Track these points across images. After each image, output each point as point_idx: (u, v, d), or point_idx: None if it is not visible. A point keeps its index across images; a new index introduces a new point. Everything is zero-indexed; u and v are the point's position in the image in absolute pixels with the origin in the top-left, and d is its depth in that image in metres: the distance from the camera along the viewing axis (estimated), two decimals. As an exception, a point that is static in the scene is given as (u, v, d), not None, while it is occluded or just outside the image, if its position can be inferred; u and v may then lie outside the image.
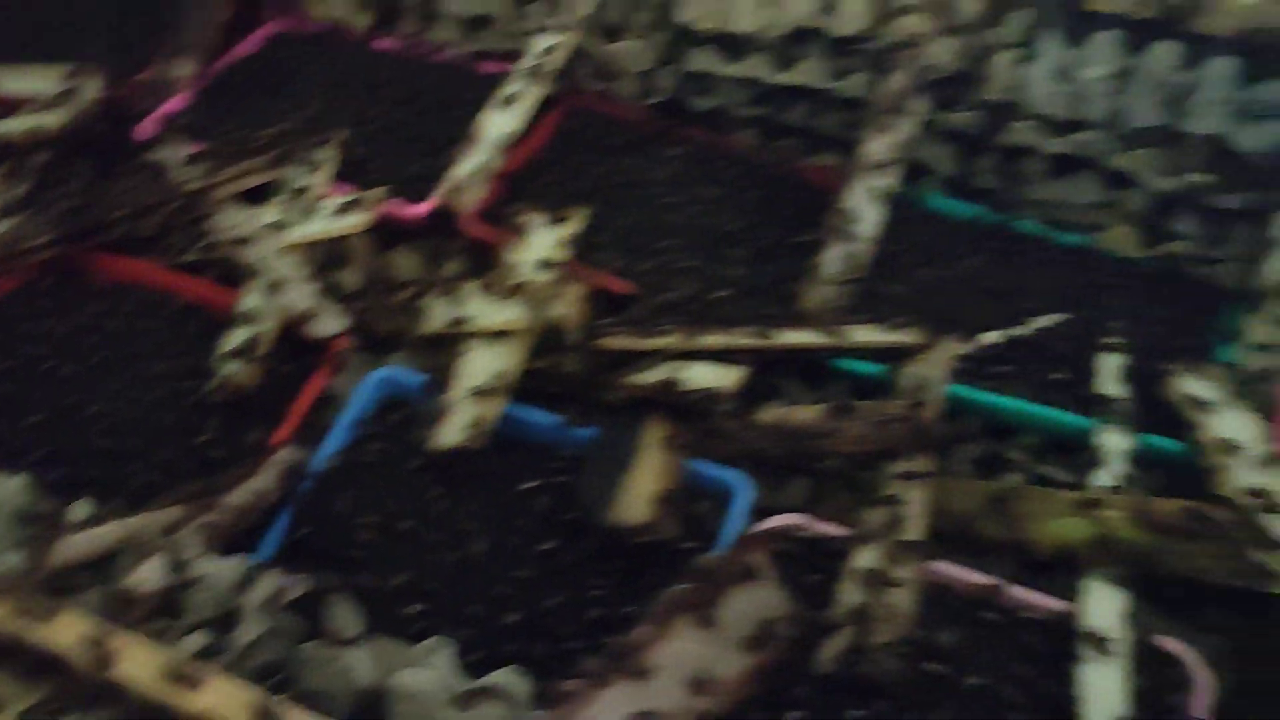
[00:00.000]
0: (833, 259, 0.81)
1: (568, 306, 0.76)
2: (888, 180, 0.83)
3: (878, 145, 0.83)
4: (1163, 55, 0.83)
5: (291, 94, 0.98)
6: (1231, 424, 0.71)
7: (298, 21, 1.05)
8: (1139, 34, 0.84)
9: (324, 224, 0.82)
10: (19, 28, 1.04)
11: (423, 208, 0.87)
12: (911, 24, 0.84)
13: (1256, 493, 0.67)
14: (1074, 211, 0.87)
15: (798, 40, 0.89)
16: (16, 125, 0.88)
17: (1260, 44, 0.81)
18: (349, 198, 0.84)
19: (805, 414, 0.74)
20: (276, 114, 0.95)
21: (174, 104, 0.96)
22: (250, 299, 0.79)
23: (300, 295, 0.78)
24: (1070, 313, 0.81)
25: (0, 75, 0.94)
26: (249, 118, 0.95)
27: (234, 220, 0.83)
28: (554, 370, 0.77)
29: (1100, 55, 0.84)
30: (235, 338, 0.76)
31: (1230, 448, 0.69)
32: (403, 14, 1.03)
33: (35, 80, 0.93)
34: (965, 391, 0.76)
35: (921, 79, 0.84)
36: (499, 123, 0.88)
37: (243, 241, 0.81)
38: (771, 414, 0.74)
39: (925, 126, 0.87)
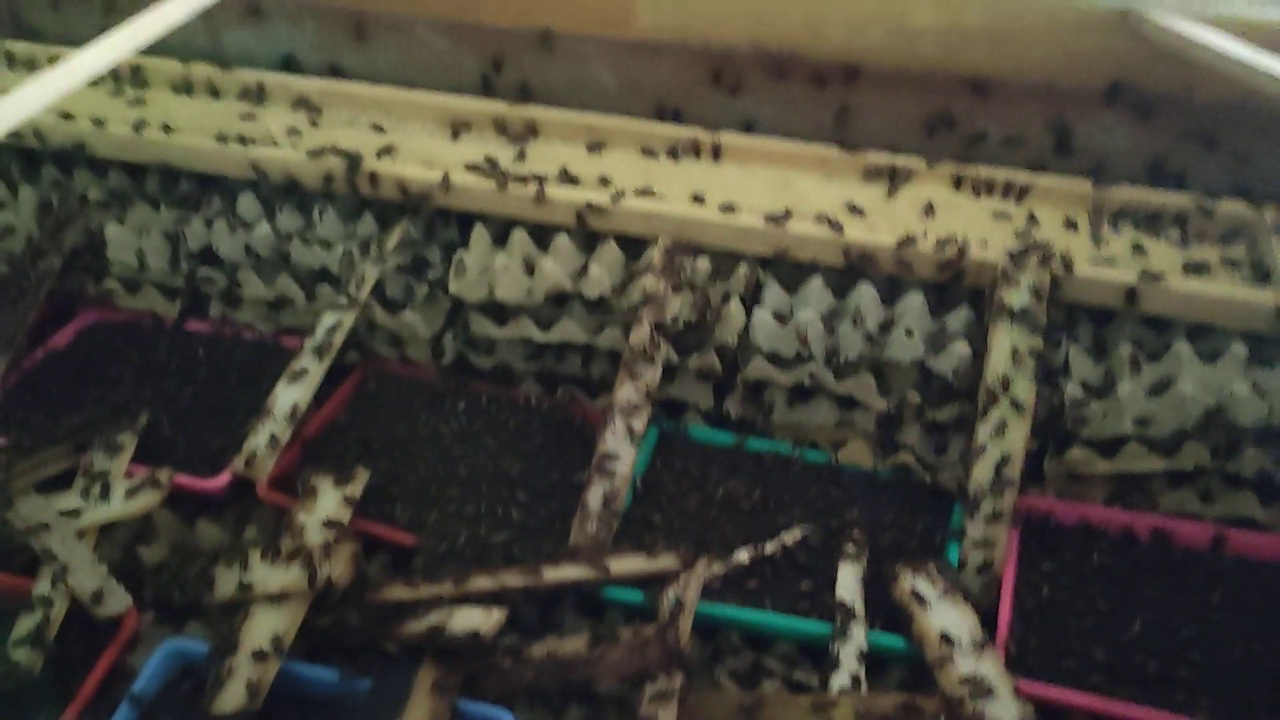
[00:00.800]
0: (596, 496, 0.89)
1: (341, 564, 0.82)
2: (642, 420, 0.92)
3: (629, 390, 0.93)
4: (864, 294, 0.96)
5: (102, 381, 1.04)
6: (948, 617, 0.79)
7: (110, 313, 1.13)
8: (843, 278, 0.97)
9: (118, 507, 0.87)
10: None
11: (219, 480, 0.93)
12: (648, 284, 0.95)
13: (968, 680, 0.74)
14: (814, 432, 0.97)
15: (557, 303, 1.00)
16: None
17: (943, 280, 0.95)
18: (140, 479, 0.89)
19: (571, 645, 0.80)
20: (88, 403, 1.01)
21: (-9, 389, 1.01)
22: (42, 585, 0.83)
23: (88, 576, 0.82)
24: (814, 524, 0.89)
25: None
26: (58, 408, 1.01)
27: (30, 509, 0.88)
28: (339, 625, 0.82)
29: (812, 299, 0.96)
30: (25, 624, 0.80)
31: (947, 639, 0.77)
32: (208, 301, 1.11)
33: None
34: (720, 609, 0.83)
35: (662, 329, 0.95)
36: (289, 395, 0.95)
37: (38, 529, 0.86)
38: (542, 647, 0.80)
39: (676, 369, 0.97)
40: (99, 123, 1.10)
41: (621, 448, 0.91)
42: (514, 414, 1.03)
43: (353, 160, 1.04)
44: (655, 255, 0.97)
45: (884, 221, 0.98)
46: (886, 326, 0.95)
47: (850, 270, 0.96)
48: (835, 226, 0.96)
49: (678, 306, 0.96)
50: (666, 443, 0.99)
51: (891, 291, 0.96)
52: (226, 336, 1.10)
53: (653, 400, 0.93)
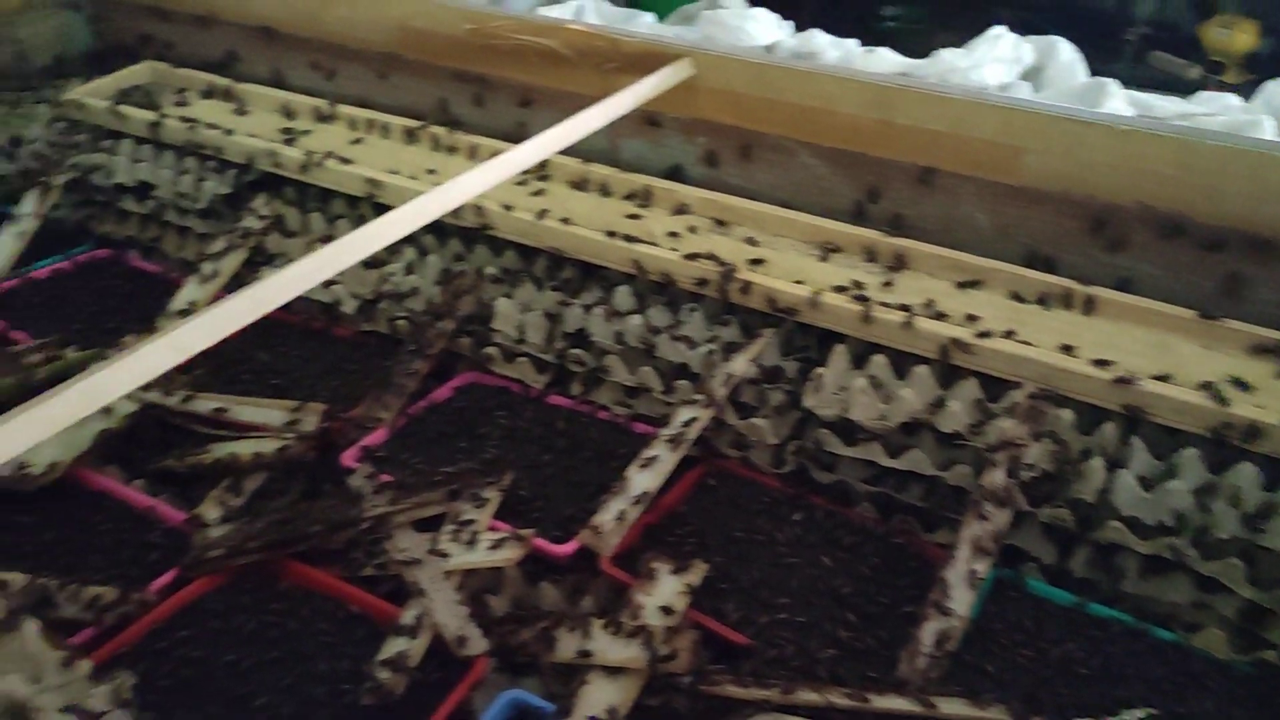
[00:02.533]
0: (929, 632, 0.88)
1: (683, 650, 0.85)
2: (985, 564, 0.91)
3: (976, 531, 0.92)
4: (1245, 474, 0.90)
5: (473, 437, 1.15)
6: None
7: (485, 376, 1.24)
8: (1221, 452, 0.92)
9: (482, 555, 0.95)
10: (256, 371, 1.26)
11: (569, 547, 0.99)
12: (1007, 427, 0.95)
13: None
14: (1166, 609, 0.92)
15: (908, 431, 1.01)
16: (244, 449, 1.06)
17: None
18: (504, 534, 0.97)
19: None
20: (459, 454, 1.12)
21: (374, 438, 1.13)
22: (410, 614, 0.91)
23: (451, 616, 0.90)
24: (1158, 708, 0.84)
25: (236, 407, 1.14)
26: (435, 455, 1.12)
27: (406, 544, 0.97)
28: (667, 709, 0.85)
29: (1184, 469, 0.92)
30: (392, 648, 0.88)
31: None
32: (573, 378, 1.20)
33: (266, 412, 1.13)
34: (1050, 776, 0.80)
35: (1018, 476, 0.93)
36: (641, 479, 1.01)
37: (411, 563, 0.95)
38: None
39: (1023, 518, 0.96)
40: (507, 207, 1.23)
41: (960, 589, 0.90)
42: (849, 533, 1.04)
43: (727, 269, 1.10)
44: (1018, 399, 0.97)
45: (1273, 401, 0.93)
46: (1266, 513, 0.89)
47: (1229, 446, 0.91)
48: (1218, 398, 0.92)
49: (1036, 454, 0.94)
50: (1002, 591, 0.97)
51: (1273, 476, 0.91)
52: (584, 413, 1.18)
53: (999, 546, 0.92)
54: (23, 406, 0.67)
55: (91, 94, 1.54)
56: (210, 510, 1.03)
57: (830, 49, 2.88)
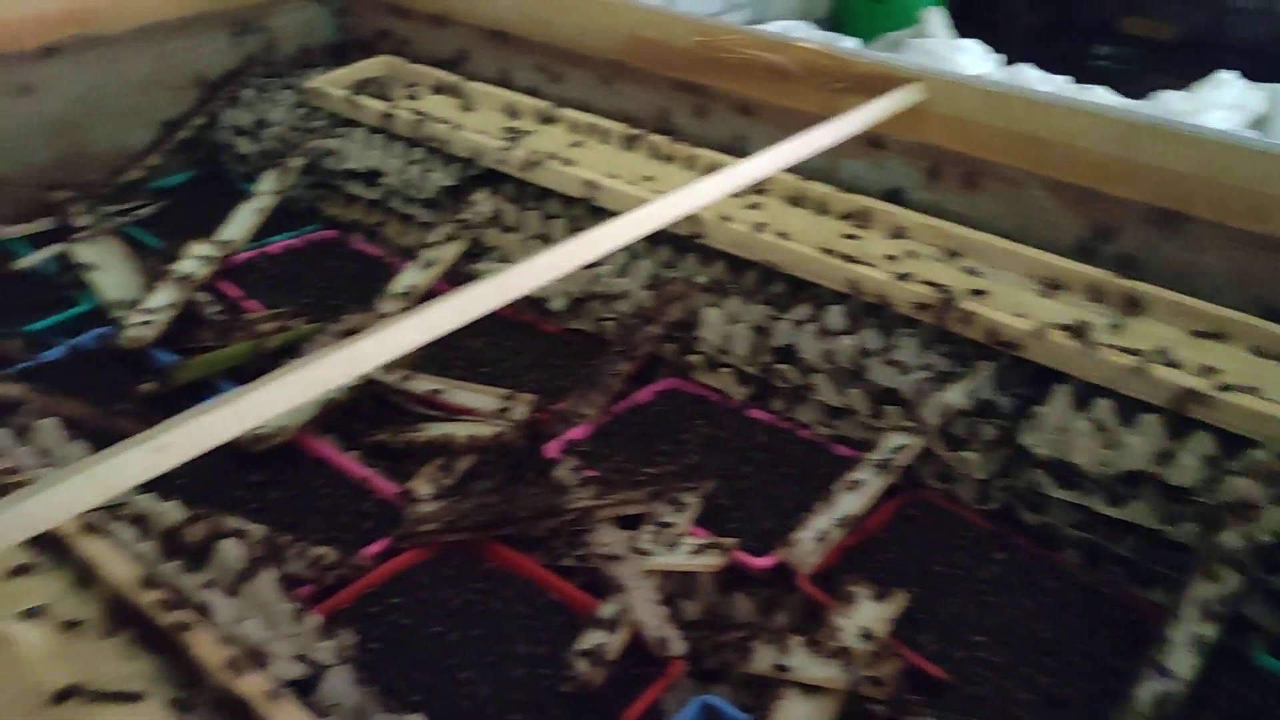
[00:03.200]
0: (1147, 693, 0.84)
1: (884, 677, 0.84)
2: (1212, 629, 0.87)
3: (1206, 592, 0.87)
4: None
5: (673, 442, 1.16)
6: None
7: (686, 383, 1.25)
8: None
9: (683, 558, 0.96)
10: (467, 357, 1.31)
11: (767, 561, 0.99)
12: (1243, 486, 0.90)
13: None
14: None
15: (1129, 480, 0.97)
16: (460, 430, 1.10)
17: None
18: (707, 540, 0.98)
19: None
20: (659, 457, 1.13)
21: (578, 433, 1.16)
22: (609, 608, 0.92)
23: (651, 615, 0.91)
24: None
25: (452, 390, 1.18)
26: (636, 455, 1.13)
27: (608, 539, 0.99)
28: (859, 733, 0.84)
29: None
30: (590, 639, 0.90)
31: None
32: (775, 393, 1.20)
33: (479, 398, 1.17)
34: None
35: (1250, 543, 0.89)
36: (845, 502, 1.00)
37: (612, 558, 0.96)
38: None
39: (1253, 586, 0.90)
40: (725, 219, 1.24)
41: (1183, 652, 0.86)
42: (1053, 577, 1.01)
43: (948, 296, 1.09)
44: (1258, 459, 0.92)
45: None
46: None
47: None
48: None
49: (1273, 519, 0.89)
50: (1224, 660, 0.92)
51: None
52: (785, 429, 1.18)
53: (1228, 611, 0.87)
54: (287, 368, 0.71)
55: (331, 83, 1.63)
56: (422, 486, 1.07)
57: (1040, 85, 2.80)
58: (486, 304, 0.81)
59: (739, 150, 1.40)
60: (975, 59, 2.92)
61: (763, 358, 1.19)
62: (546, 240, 1.38)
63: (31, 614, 0.73)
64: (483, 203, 1.43)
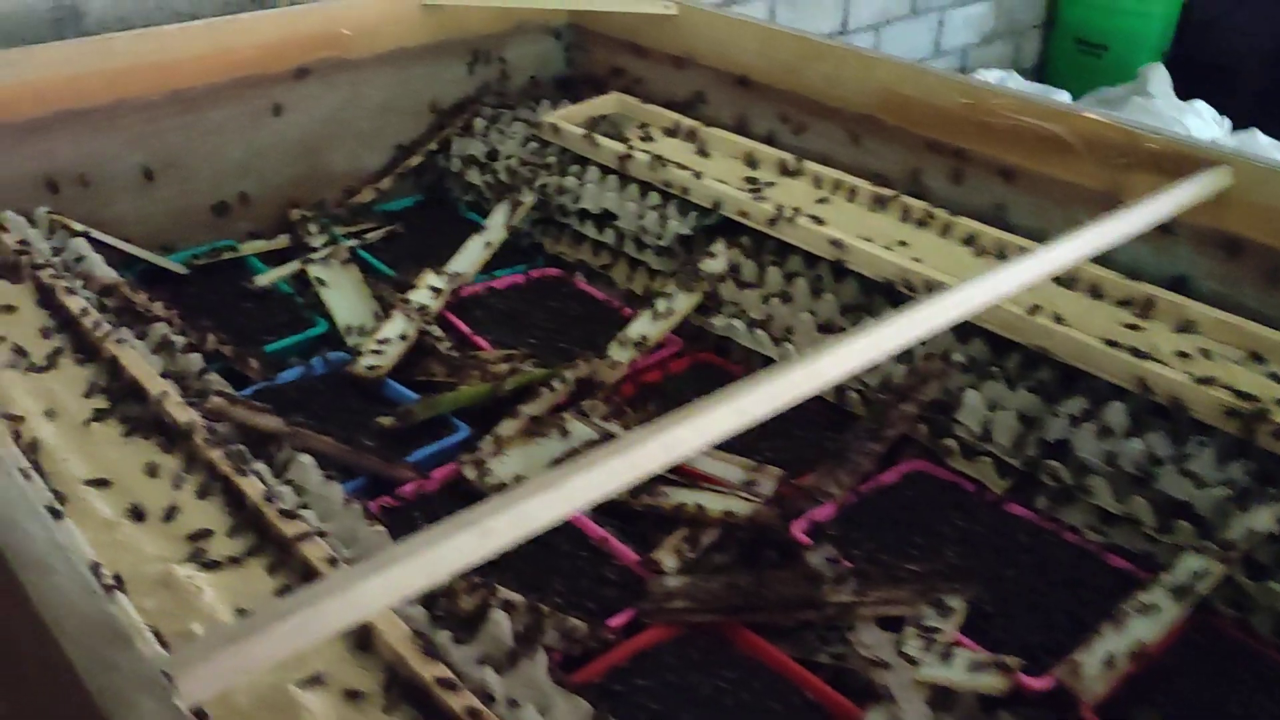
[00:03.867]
0: None
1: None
2: None
3: None
4: None
5: (927, 533, 1.09)
6: None
7: (935, 467, 1.18)
8: None
9: (961, 675, 0.89)
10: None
11: (1043, 682, 0.91)
12: None
13: None
14: None
15: None
16: (713, 504, 1.05)
17: None
18: (987, 658, 0.90)
19: None
20: (912, 549, 1.06)
21: (823, 512, 1.10)
22: (874, 717, 0.86)
23: (926, 735, 0.84)
24: None
25: (700, 456, 1.13)
26: (886, 544, 1.06)
27: (871, 640, 0.92)
28: None
29: None
30: (858, 753, 0.83)
31: None
32: (1040, 488, 1.11)
33: (724, 467, 1.12)
34: None
35: None
36: (1137, 627, 0.91)
37: (877, 664, 0.90)
38: None
39: None
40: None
41: None
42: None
43: (1259, 408, 0.99)
44: None
45: None
46: None
47: None
48: None
49: None
50: None
51: None
52: (1048, 530, 1.09)
53: None
54: (603, 452, 0.67)
55: (565, 119, 1.61)
56: (666, 557, 1.03)
57: (1272, 153, 2.62)
58: (797, 391, 0.76)
59: (998, 220, 1.32)
60: (1205, 122, 2.76)
61: (1029, 450, 1.11)
62: (786, 300, 1.32)
63: (314, 682, 0.70)
64: (720, 255, 1.39)
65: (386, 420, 1.18)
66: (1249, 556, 0.96)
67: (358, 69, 1.59)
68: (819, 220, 1.32)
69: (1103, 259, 1.23)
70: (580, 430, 1.16)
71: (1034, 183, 1.30)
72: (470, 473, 1.11)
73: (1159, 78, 3.01)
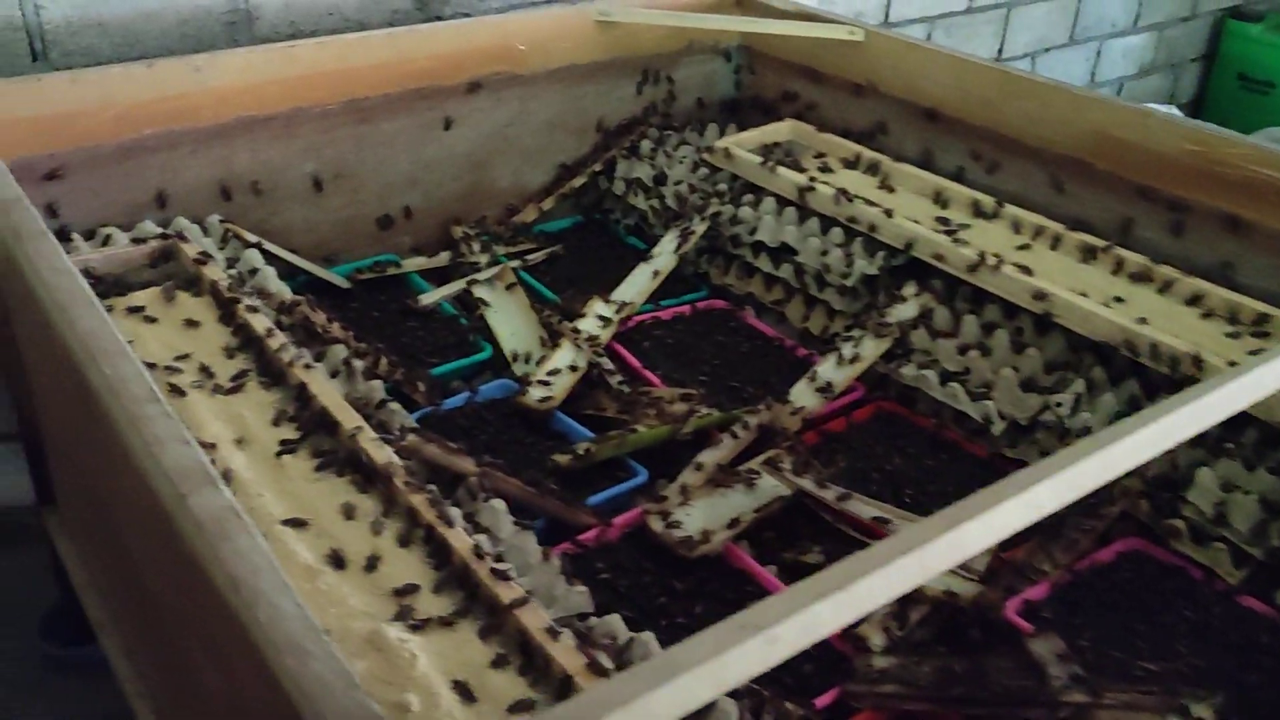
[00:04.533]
0: None
1: None
2: None
3: None
4: None
5: (1153, 624, 0.99)
6: None
7: (1154, 548, 1.08)
8: None
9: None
10: (888, 476, 1.18)
11: (1309, 813, 0.81)
12: None
13: None
14: None
15: None
16: (935, 583, 0.97)
17: None
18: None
19: None
20: (1138, 639, 0.96)
21: (1036, 591, 1.01)
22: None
23: None
24: None
25: (897, 521, 1.05)
26: (1108, 633, 0.97)
27: (1112, 749, 0.83)
28: None
29: None
30: None
31: None
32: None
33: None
34: None
35: None
36: None
37: (1123, 778, 0.81)
38: None
39: None
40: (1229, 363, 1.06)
41: None
42: None
43: None
44: None
45: None
46: None
47: None
48: None
49: None
50: None
51: None
52: (1290, 631, 0.99)
53: None
54: (888, 547, 0.59)
55: (738, 145, 1.55)
56: (873, 634, 0.95)
57: None
58: (1089, 482, 0.67)
59: (1223, 278, 1.22)
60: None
61: (1271, 539, 1.01)
62: (985, 352, 1.23)
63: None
64: (912, 299, 1.31)
65: (564, 459, 1.13)
66: None
67: (528, 84, 1.55)
68: (1025, 269, 1.23)
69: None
70: (768, 485, 1.09)
71: (1265, 237, 1.20)
72: (656, 525, 1.04)
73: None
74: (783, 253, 1.43)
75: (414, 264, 1.49)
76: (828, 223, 1.41)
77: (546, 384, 1.25)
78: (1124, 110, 1.28)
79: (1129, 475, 1.05)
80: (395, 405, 1.05)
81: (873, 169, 1.50)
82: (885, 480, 1.18)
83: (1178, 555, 1.06)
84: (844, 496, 1.07)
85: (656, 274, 1.46)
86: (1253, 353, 1.11)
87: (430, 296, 1.42)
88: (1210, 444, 1.07)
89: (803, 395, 1.25)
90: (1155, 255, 1.26)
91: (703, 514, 1.07)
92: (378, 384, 1.07)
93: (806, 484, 1.09)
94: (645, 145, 1.65)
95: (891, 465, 1.20)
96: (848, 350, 1.28)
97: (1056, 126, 1.34)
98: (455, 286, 1.43)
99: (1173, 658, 0.95)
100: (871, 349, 1.28)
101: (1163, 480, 1.07)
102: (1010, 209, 1.36)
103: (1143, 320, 1.14)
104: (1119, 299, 1.20)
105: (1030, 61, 2.80)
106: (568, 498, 1.07)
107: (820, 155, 1.56)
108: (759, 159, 1.50)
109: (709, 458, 1.13)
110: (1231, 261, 1.22)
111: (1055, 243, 1.31)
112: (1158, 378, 1.13)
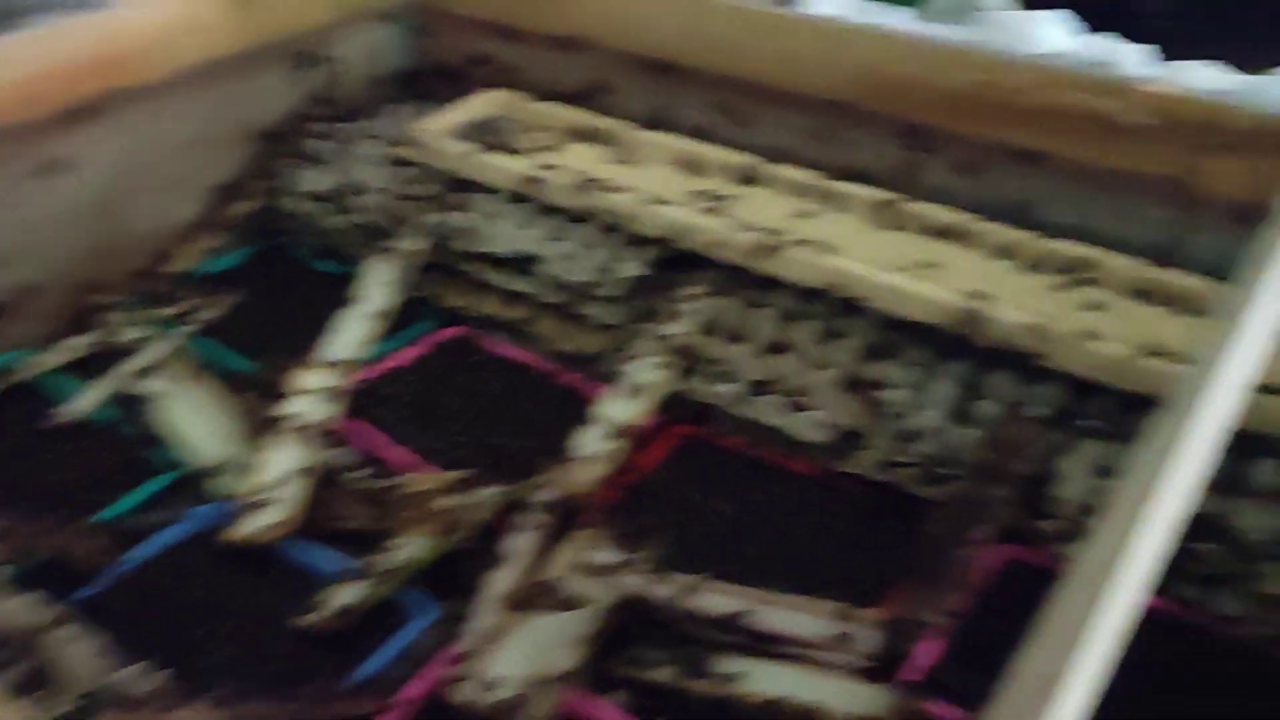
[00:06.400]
0: None
1: None
2: None
3: None
4: None
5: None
6: None
7: (1030, 553, 0.94)
8: None
9: None
10: (727, 535, 0.97)
11: None
12: None
13: None
14: None
15: None
16: (807, 693, 0.77)
17: None
18: None
19: None
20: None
21: (928, 651, 0.84)
22: None
23: None
24: None
25: (762, 610, 0.84)
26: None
27: None
28: None
29: None
30: None
31: None
32: (1182, 577, 0.89)
33: (802, 618, 0.84)
34: None
35: None
36: None
37: None
38: None
39: None
40: (1085, 333, 0.92)
41: None
42: None
43: None
44: None
45: None
46: None
47: None
48: None
49: None
50: None
51: None
52: (1202, 624, 0.87)
53: None
54: None
55: (434, 130, 1.26)
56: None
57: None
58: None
59: (1024, 218, 1.08)
60: (1057, 31, 2.62)
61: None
62: (793, 350, 1.04)
63: None
64: (691, 301, 1.09)
65: (313, 619, 0.84)
66: None
67: (153, 97, 1.18)
68: (816, 245, 1.04)
69: (1177, 258, 1.02)
70: (594, 591, 0.86)
71: (1064, 168, 1.06)
72: (461, 694, 0.78)
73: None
74: (520, 261, 1.17)
75: (42, 362, 1.11)
76: (569, 216, 1.16)
77: (267, 502, 0.94)
78: (895, 41, 1.11)
79: (996, 480, 0.90)
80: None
81: (607, 139, 1.26)
82: (714, 537, 0.97)
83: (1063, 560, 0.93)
84: (688, 589, 0.85)
85: (375, 316, 1.16)
86: (1087, 307, 0.97)
87: (74, 405, 1.06)
88: (1067, 421, 0.93)
89: (590, 444, 1.01)
90: (947, 200, 1.10)
91: (521, 654, 0.82)
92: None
93: (635, 584, 0.86)
94: (318, 146, 1.33)
95: (714, 512, 0.99)
96: (632, 377, 1.05)
97: (818, 68, 1.15)
98: (108, 383, 1.08)
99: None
100: (658, 374, 1.06)
101: (1028, 478, 0.92)
102: (778, 169, 1.16)
103: (974, 294, 0.97)
104: (930, 264, 1.03)
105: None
106: (326, 683, 0.78)
107: (536, 129, 1.30)
108: (464, 146, 1.22)
109: (504, 575, 0.88)
110: (1029, 198, 1.09)
111: (843, 204, 1.13)
112: (989, 350, 0.97)
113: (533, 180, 1.17)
